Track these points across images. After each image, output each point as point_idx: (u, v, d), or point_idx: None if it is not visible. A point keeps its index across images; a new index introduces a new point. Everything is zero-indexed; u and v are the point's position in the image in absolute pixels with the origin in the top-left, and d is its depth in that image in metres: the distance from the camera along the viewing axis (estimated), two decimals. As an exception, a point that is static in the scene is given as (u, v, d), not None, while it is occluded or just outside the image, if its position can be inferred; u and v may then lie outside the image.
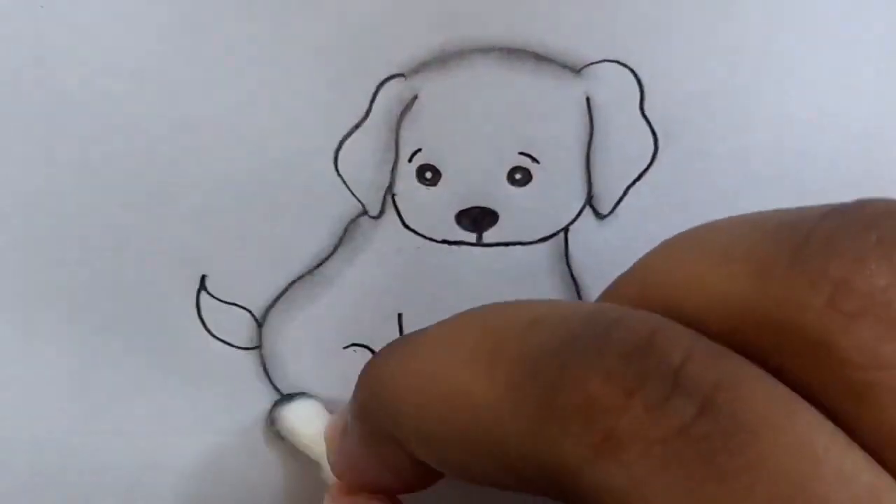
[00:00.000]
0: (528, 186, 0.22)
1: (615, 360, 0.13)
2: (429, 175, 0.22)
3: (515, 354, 0.14)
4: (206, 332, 0.23)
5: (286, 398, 0.23)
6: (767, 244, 0.14)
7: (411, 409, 0.15)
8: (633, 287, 0.16)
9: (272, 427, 0.23)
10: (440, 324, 0.16)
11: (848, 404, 0.12)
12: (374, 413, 0.17)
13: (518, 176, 0.22)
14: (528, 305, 0.15)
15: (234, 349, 0.23)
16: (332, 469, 0.20)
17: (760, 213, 0.15)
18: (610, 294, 0.17)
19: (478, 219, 0.22)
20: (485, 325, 0.15)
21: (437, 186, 0.22)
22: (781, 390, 0.13)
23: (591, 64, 0.21)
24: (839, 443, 0.12)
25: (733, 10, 0.21)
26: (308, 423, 0.22)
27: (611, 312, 0.14)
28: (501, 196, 0.22)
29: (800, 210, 0.15)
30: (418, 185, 0.22)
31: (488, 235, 0.22)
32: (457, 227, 0.22)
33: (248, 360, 0.23)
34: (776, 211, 0.15)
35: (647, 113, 0.21)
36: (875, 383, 0.12)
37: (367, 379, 0.17)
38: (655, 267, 0.16)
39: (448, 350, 0.15)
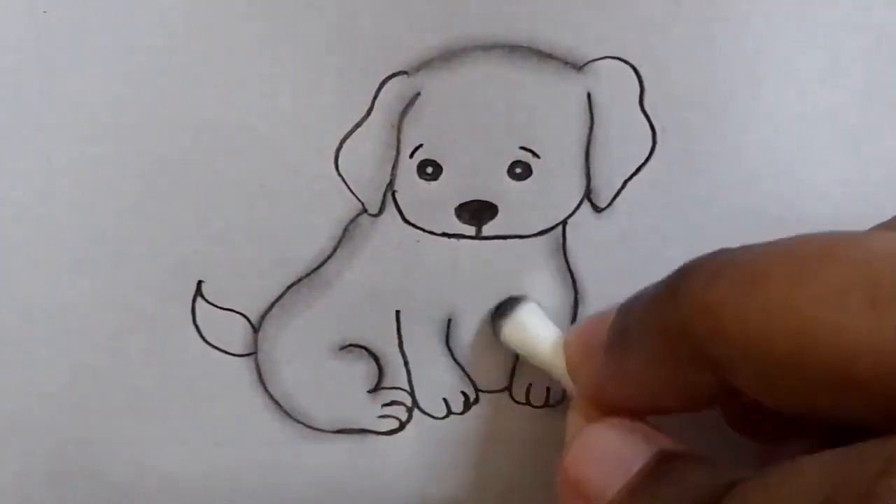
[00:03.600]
0: (527, 180, 0.22)
1: None
2: (430, 170, 0.22)
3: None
4: (201, 340, 0.22)
5: (504, 305, 0.22)
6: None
7: (763, 346, 0.14)
8: None
9: (498, 334, 0.22)
10: (771, 249, 0.15)
11: None
12: (692, 339, 0.16)
13: (518, 170, 0.22)
14: (882, 237, 0.14)
15: (229, 356, 0.23)
16: (584, 388, 0.19)
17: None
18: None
19: (477, 212, 0.22)
20: (843, 254, 0.14)
21: (438, 181, 0.22)
22: None
23: (593, 61, 0.21)
24: None
25: (732, 8, 0.21)
26: (538, 333, 0.21)
27: None
28: (501, 190, 0.22)
29: None
30: (419, 180, 0.22)
31: (487, 229, 0.22)
32: (456, 221, 0.22)
33: (243, 367, 0.23)
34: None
35: (645, 108, 0.22)
36: None
37: (688, 303, 0.16)
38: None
39: (807, 280, 0.14)
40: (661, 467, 0.17)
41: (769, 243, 0.16)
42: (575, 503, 0.18)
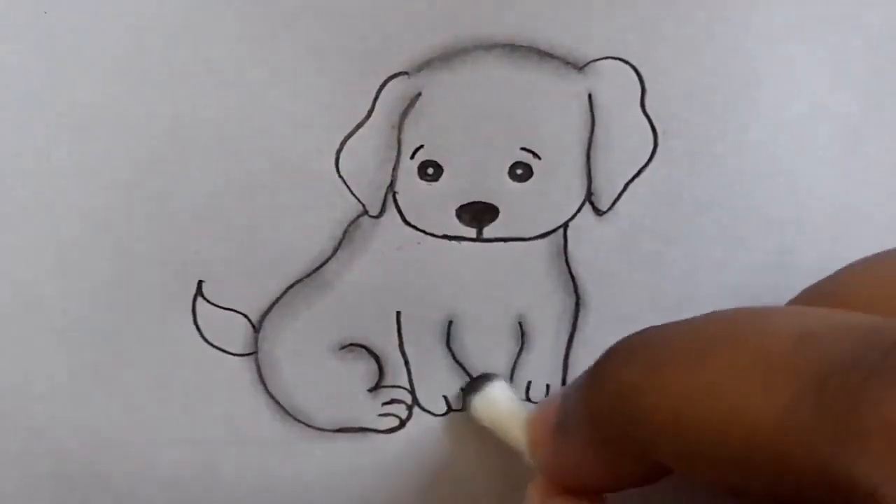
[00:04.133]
0: (528, 182, 0.22)
1: None
2: (430, 171, 0.22)
3: (794, 370, 0.13)
4: (201, 339, 0.22)
5: (475, 382, 0.23)
6: None
7: (669, 428, 0.15)
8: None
9: (463, 411, 0.23)
10: (680, 330, 0.16)
11: None
12: (613, 423, 0.16)
13: (519, 171, 0.22)
14: (781, 315, 0.15)
15: (229, 356, 0.23)
16: (540, 467, 0.20)
17: None
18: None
19: (478, 214, 0.22)
20: (742, 337, 0.15)
21: (439, 182, 0.22)
22: None
23: (594, 61, 0.21)
24: None
25: (733, 9, 0.21)
26: (506, 411, 0.22)
27: (891, 331, 0.13)
28: (502, 191, 0.22)
29: None
30: (419, 181, 0.22)
31: (488, 231, 0.22)
32: (457, 223, 0.22)
33: (244, 367, 0.23)
34: None
35: (647, 109, 0.22)
36: None
37: (606, 388, 0.17)
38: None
39: (705, 365, 0.15)
40: None
41: (679, 323, 0.16)
42: None
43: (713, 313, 0.16)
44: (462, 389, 0.23)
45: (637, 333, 0.17)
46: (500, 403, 0.22)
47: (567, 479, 0.19)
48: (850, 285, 0.17)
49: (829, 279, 0.17)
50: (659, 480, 0.17)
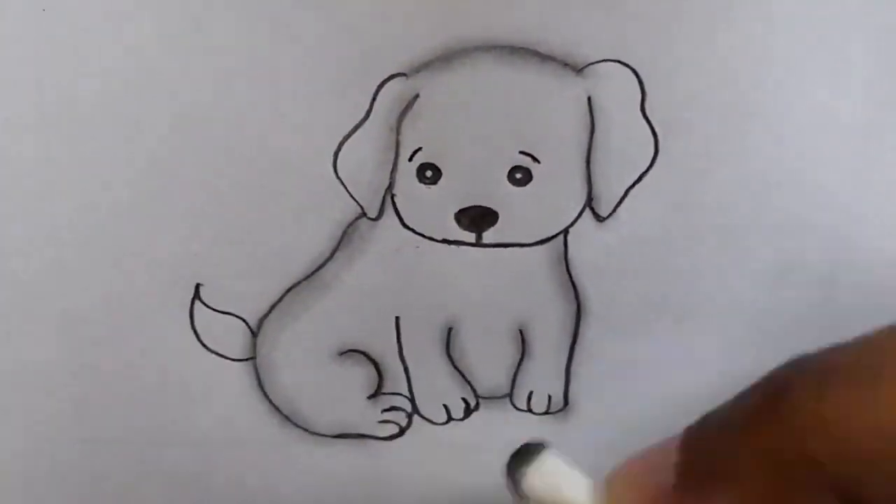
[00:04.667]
0: (528, 186, 0.22)
1: None
2: (429, 174, 0.22)
3: None
4: (199, 345, 0.22)
5: (523, 453, 0.18)
6: None
7: (886, 451, 0.13)
8: None
9: (516, 486, 0.18)
10: (874, 345, 0.14)
11: None
12: (815, 458, 0.13)
13: (518, 175, 0.22)
14: None
15: (227, 361, 0.22)
16: None
17: None
18: None
19: (477, 218, 0.22)
20: None
21: (437, 185, 0.22)
22: None
23: (593, 63, 0.21)
24: None
25: (733, 11, 0.21)
26: (571, 481, 0.17)
27: None
28: (502, 195, 0.22)
29: None
30: (418, 184, 0.22)
31: (488, 236, 0.22)
32: (456, 227, 0.22)
33: (242, 372, 0.23)
34: None
35: (647, 113, 0.21)
36: None
37: (806, 417, 0.14)
38: None
39: None
40: None
41: (863, 338, 0.14)
42: None
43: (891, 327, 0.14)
44: (506, 465, 0.18)
45: (809, 356, 0.14)
46: (559, 475, 0.18)
47: None
48: None
49: None
50: None
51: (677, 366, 0.23)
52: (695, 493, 0.14)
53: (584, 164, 0.22)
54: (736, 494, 0.14)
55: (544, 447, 0.18)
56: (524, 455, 0.18)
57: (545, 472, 0.17)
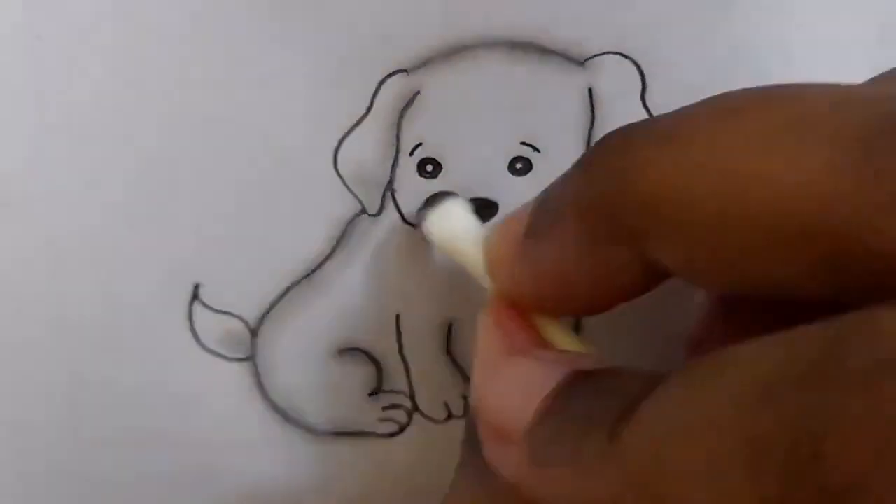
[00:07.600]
0: (528, 176, 0.22)
1: None
2: (430, 168, 0.22)
3: (832, 132, 0.12)
4: (198, 345, 0.22)
5: (433, 199, 0.21)
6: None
7: (678, 206, 0.13)
8: None
9: (419, 230, 0.20)
10: (693, 107, 0.14)
11: None
12: (608, 210, 0.14)
13: (519, 165, 0.22)
14: (814, 85, 0.13)
15: (226, 361, 0.22)
16: (501, 286, 0.17)
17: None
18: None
19: (478, 210, 0.22)
20: (768, 103, 0.13)
21: (438, 179, 0.22)
22: None
23: (595, 56, 0.21)
24: None
25: (734, 3, 0.21)
26: (462, 228, 0.19)
27: None
28: (502, 186, 0.22)
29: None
30: (419, 178, 0.22)
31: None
32: None
33: (242, 372, 0.22)
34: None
35: (648, 105, 0.21)
36: None
37: (600, 169, 0.14)
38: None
39: (726, 129, 0.13)
40: (574, 383, 0.15)
41: (690, 105, 0.14)
42: (496, 443, 0.16)
43: (722, 96, 0.14)
44: (417, 210, 0.21)
45: (627, 125, 0.15)
46: (455, 219, 0.20)
47: (536, 297, 0.16)
48: None
49: None
50: (650, 291, 0.15)
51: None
52: (533, 238, 0.16)
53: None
54: (556, 242, 0.15)
55: (451, 195, 0.21)
56: (432, 200, 0.21)
57: (444, 216, 0.20)
